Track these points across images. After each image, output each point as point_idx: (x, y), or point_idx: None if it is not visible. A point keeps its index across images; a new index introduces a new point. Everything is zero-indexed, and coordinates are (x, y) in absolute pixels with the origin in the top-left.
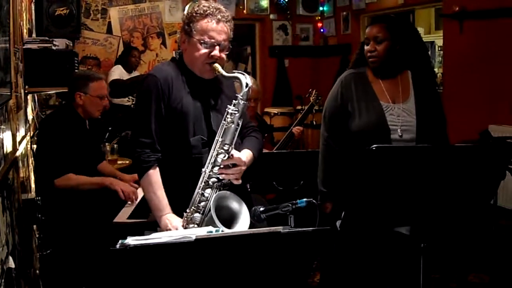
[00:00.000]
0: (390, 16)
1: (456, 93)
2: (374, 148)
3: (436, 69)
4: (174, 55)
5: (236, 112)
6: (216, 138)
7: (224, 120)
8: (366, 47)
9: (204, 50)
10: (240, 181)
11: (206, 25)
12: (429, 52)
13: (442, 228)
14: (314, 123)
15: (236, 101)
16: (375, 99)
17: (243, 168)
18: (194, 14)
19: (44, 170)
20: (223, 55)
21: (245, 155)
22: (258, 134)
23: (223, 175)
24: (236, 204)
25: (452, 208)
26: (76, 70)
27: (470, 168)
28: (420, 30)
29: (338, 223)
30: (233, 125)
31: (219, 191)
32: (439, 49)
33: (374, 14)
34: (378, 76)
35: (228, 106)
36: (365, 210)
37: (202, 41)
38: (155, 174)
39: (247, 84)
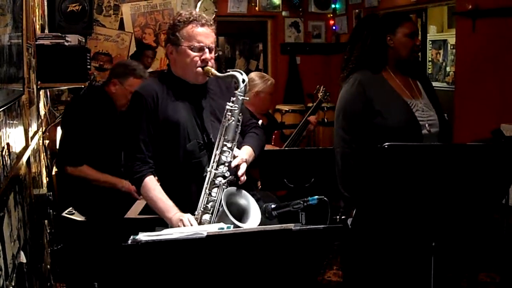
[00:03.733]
0: None
1: (469, 92)
2: (386, 146)
3: (448, 68)
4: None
5: (235, 108)
6: (218, 136)
7: (224, 118)
8: (412, 41)
9: (194, 54)
10: (245, 178)
11: (192, 30)
12: (442, 51)
13: (453, 227)
14: (326, 120)
15: (235, 98)
16: (398, 97)
17: (246, 164)
18: (177, 23)
19: (61, 155)
20: (213, 56)
21: (245, 152)
22: (259, 130)
23: (228, 173)
24: (245, 200)
25: (463, 207)
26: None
27: (482, 167)
28: (433, 28)
29: (349, 221)
30: (233, 122)
31: (225, 188)
32: (452, 47)
33: (386, 12)
34: (400, 72)
35: (227, 103)
36: (377, 208)
37: (191, 47)
38: (151, 181)
39: (243, 80)
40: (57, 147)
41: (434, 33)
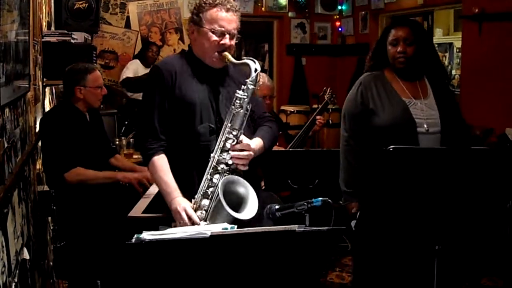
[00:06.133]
0: (412, 19)
1: (474, 96)
2: (391, 149)
3: (454, 71)
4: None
5: (244, 97)
6: (225, 123)
7: (233, 105)
8: (393, 48)
9: (214, 38)
10: (246, 167)
11: (216, 14)
12: (447, 54)
13: (457, 231)
14: (330, 122)
15: (245, 86)
16: (396, 95)
17: (251, 154)
18: (203, 4)
19: (52, 166)
20: (233, 43)
21: (255, 142)
22: (273, 124)
23: (231, 160)
24: (243, 189)
25: (468, 211)
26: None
27: (487, 171)
28: (439, 31)
29: (353, 223)
30: (241, 110)
31: (227, 176)
32: (458, 50)
33: (393, 14)
34: (400, 77)
35: (237, 91)
36: (381, 210)
37: (212, 30)
38: (159, 160)
39: (256, 69)
40: (43, 169)
41: (440, 36)
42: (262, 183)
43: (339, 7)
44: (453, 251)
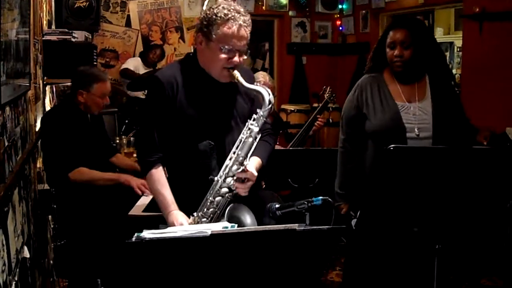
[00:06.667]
0: (412, 19)
1: (474, 95)
2: (391, 148)
3: (454, 70)
4: (192, 50)
5: (256, 127)
6: (233, 149)
7: (243, 134)
8: (391, 51)
9: (223, 56)
10: (247, 194)
11: (228, 31)
12: (448, 53)
13: (457, 230)
14: (331, 121)
15: (257, 116)
16: (390, 99)
17: (254, 182)
18: (214, 17)
19: (55, 165)
20: (242, 59)
21: (255, 165)
22: (272, 139)
23: (234, 187)
24: (244, 218)
25: (468, 210)
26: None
27: (487, 170)
28: (440, 30)
29: (353, 222)
30: (250, 139)
31: (229, 200)
32: (458, 50)
33: (394, 13)
34: (398, 79)
35: (249, 121)
36: (381, 209)
37: (221, 47)
38: (157, 173)
39: (270, 101)
40: (43, 167)
41: (441, 35)
42: (263, 182)
43: (340, 6)
44: (453, 251)
